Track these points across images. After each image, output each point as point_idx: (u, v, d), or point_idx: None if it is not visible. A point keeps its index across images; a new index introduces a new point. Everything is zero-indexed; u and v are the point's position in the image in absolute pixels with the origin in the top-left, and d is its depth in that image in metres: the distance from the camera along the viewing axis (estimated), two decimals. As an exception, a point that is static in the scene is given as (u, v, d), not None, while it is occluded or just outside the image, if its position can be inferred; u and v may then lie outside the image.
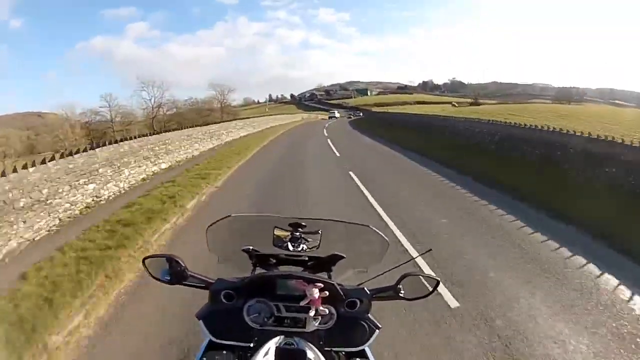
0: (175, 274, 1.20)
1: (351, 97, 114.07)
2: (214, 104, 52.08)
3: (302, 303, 1.15)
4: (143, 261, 1.22)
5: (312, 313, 1.14)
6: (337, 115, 57.42)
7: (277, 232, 1.43)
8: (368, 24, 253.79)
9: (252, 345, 1.14)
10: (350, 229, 1.48)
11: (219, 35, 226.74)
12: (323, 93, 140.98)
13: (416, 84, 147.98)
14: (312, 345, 1.13)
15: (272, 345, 1.09)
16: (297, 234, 1.44)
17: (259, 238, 1.41)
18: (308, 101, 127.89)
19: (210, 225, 1.40)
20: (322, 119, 51.95)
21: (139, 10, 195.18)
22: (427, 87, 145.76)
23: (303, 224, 1.44)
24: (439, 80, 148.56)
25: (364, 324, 1.19)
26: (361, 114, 54.56)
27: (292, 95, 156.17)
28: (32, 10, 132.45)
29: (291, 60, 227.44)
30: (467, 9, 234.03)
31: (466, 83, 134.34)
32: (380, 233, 1.41)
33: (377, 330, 1.19)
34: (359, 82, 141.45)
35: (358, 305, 1.18)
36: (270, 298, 1.17)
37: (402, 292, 1.21)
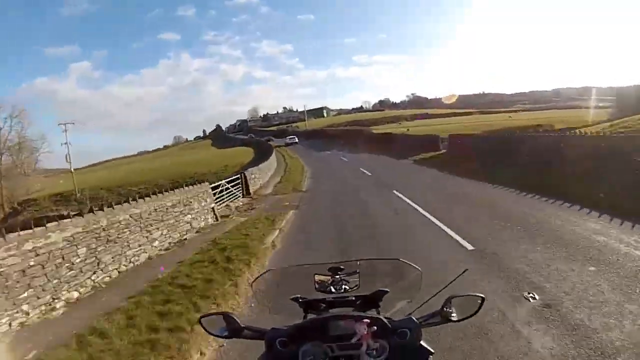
0: (232, 329, 1.28)
1: (300, 121, 79.64)
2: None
3: (353, 340, 1.19)
4: (199, 320, 1.30)
5: (364, 349, 1.19)
6: (296, 140, 46.86)
7: (318, 278, 1.47)
8: (311, 53, 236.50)
9: None
10: (384, 265, 1.63)
11: (162, 73, 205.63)
12: (259, 119, 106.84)
13: (371, 105, 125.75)
14: None
15: None
16: (338, 277, 1.47)
17: (303, 286, 1.45)
18: (235, 133, 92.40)
19: (253, 280, 1.51)
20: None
21: (82, 50, 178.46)
22: (384, 106, 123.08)
23: (341, 267, 1.49)
24: (395, 99, 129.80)
25: (417, 351, 1.23)
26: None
27: (218, 127, 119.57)
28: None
29: (235, 96, 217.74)
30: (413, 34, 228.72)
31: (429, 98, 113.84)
32: (410, 264, 1.47)
33: (430, 356, 1.23)
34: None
35: (408, 335, 1.22)
36: (323, 340, 1.21)
37: (450, 314, 1.25)
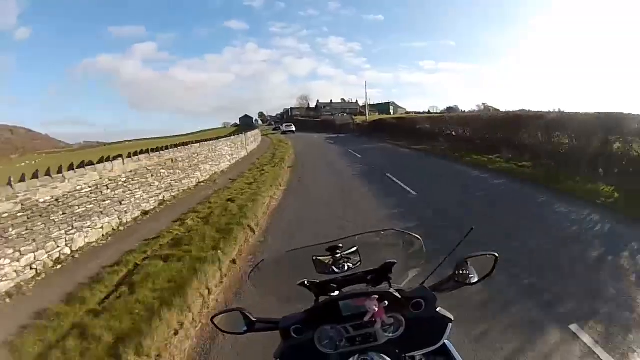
0: (245, 324, 1.25)
1: (360, 115, 62.50)
2: None
3: (366, 318, 1.17)
4: (211, 319, 1.27)
5: (378, 325, 1.17)
6: (293, 128, 44.56)
7: (318, 259, 1.39)
8: (378, 54, 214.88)
9: None
10: (381, 237, 1.51)
11: (227, 60, 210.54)
12: (305, 109, 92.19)
13: (439, 111, 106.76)
14: (385, 357, 1.16)
15: None
16: (338, 255, 1.39)
17: (305, 270, 1.36)
18: (274, 123, 78.52)
19: (250, 272, 1.43)
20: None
21: (148, 31, 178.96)
22: (453, 112, 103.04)
23: (340, 245, 1.41)
24: (465, 107, 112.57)
25: (435, 320, 1.19)
26: None
27: (261, 115, 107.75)
28: (40, 19, 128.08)
29: (298, 89, 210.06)
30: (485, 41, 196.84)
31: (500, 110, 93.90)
32: (407, 232, 1.43)
33: (450, 324, 1.19)
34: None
35: (424, 305, 1.19)
36: (337, 321, 1.19)
37: (467, 277, 1.20)
